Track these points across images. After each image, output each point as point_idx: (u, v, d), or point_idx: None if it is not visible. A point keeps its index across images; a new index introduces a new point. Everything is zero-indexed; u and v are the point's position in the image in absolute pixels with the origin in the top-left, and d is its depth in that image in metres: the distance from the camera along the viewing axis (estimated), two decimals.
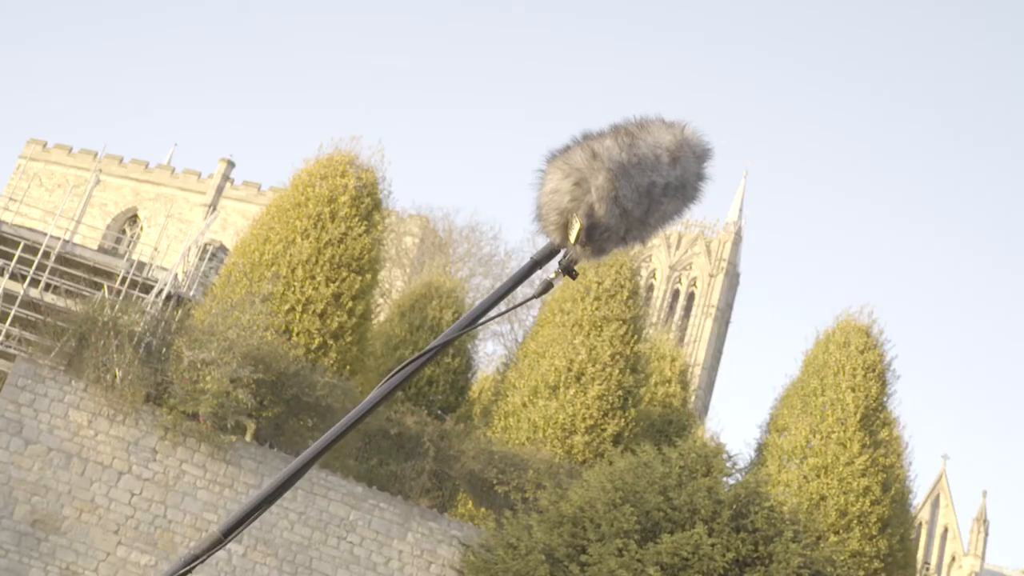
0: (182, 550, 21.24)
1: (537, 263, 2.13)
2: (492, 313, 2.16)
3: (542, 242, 2.14)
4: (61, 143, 70.86)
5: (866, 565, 25.26)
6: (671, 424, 30.37)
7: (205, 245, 37.10)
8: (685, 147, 2.11)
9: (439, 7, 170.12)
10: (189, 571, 2.06)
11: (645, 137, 2.09)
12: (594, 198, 2.04)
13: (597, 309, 27.39)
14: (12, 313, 25.47)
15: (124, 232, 68.03)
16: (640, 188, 2.06)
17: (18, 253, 25.93)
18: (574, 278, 2.12)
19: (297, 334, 24.39)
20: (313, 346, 24.43)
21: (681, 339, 78.20)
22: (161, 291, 25.95)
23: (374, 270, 26.44)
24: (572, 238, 2.06)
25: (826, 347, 28.11)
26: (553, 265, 2.13)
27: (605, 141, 2.08)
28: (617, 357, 26.80)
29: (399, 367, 2.12)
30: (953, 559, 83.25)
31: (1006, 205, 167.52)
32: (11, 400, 21.70)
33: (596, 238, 2.07)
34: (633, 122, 2.12)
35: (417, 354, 2.10)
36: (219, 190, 68.40)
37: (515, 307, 2.28)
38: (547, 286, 2.12)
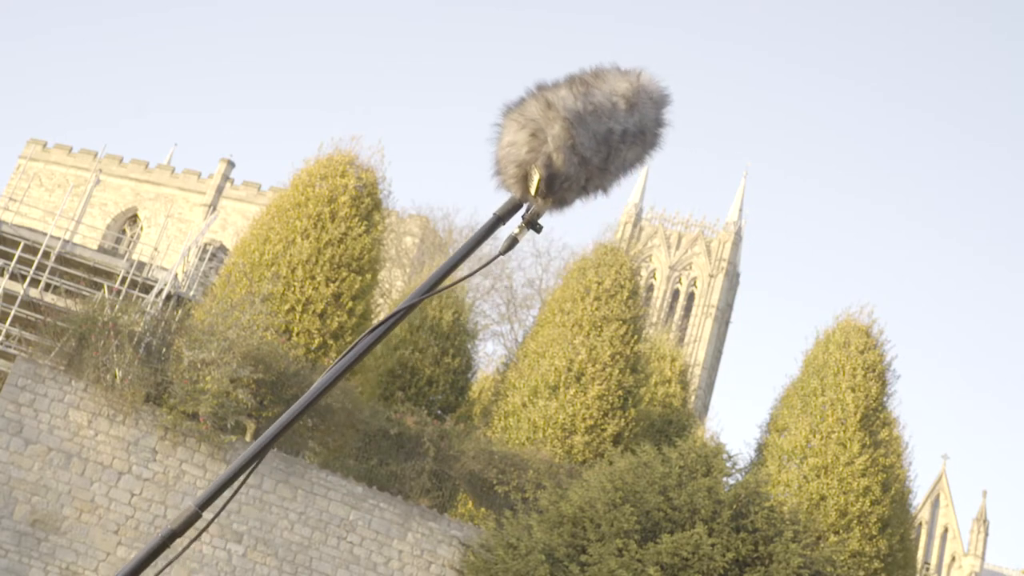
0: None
1: (500, 219, 2.11)
2: (457, 275, 2.15)
3: (504, 198, 2.12)
4: (61, 143, 70.91)
5: (866, 565, 25.26)
6: (671, 424, 30.37)
7: (205, 245, 37.10)
8: (642, 93, 2.09)
9: (439, 7, 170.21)
10: (168, 547, 2.07)
11: (600, 86, 2.07)
12: (551, 148, 2.02)
13: (597, 309, 27.38)
14: (12, 313, 25.48)
15: (124, 232, 68.04)
16: (598, 135, 2.04)
17: (18, 253, 25.93)
18: (538, 231, 2.11)
19: (297, 334, 24.39)
20: (313, 346, 24.42)
21: (681, 339, 78.19)
22: (161, 291, 25.95)
23: (374, 270, 26.44)
24: (532, 190, 2.05)
25: (826, 347, 28.10)
26: (517, 220, 2.11)
27: (560, 91, 2.06)
28: (617, 357, 26.79)
29: (368, 330, 2.13)
30: (953, 559, 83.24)
31: (1006, 205, 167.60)
32: (11, 400, 21.69)
33: (556, 188, 2.05)
34: (588, 71, 2.10)
35: (385, 317, 2.10)
36: (219, 190, 68.40)
37: (482, 267, 2.27)
38: (512, 242, 2.11)
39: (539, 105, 2.05)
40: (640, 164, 2.13)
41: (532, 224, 2.10)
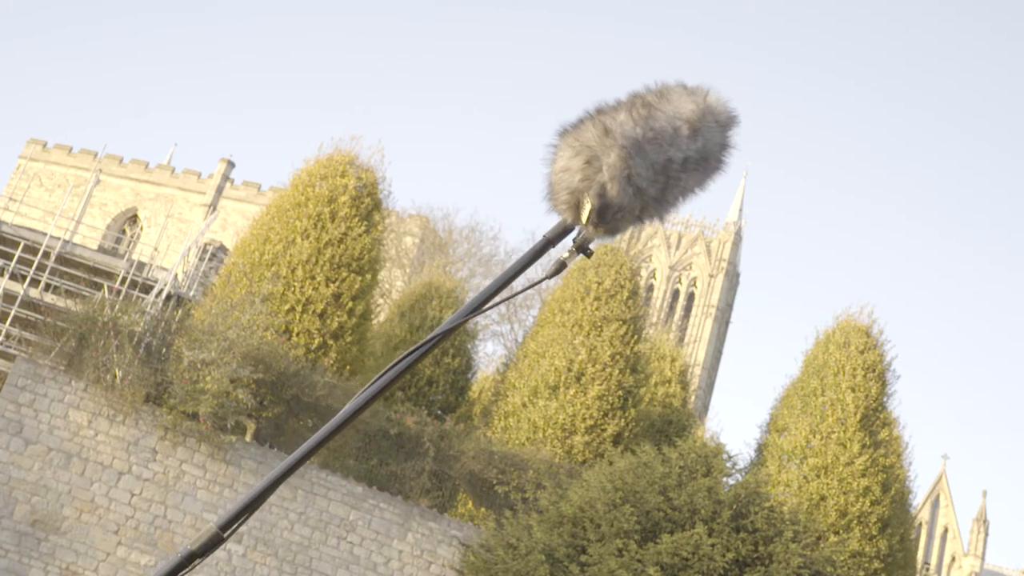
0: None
1: (550, 241, 2.04)
2: (501, 296, 2.07)
3: (554, 221, 2.04)
4: (61, 143, 70.91)
5: (866, 565, 25.25)
6: (671, 424, 30.35)
7: (205, 245, 37.09)
8: (708, 116, 2.01)
9: (439, 7, 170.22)
10: (190, 569, 2.03)
11: (664, 108, 1.98)
12: (606, 177, 1.95)
13: (597, 309, 27.38)
14: (12, 313, 25.47)
15: (124, 232, 68.04)
16: (656, 165, 1.96)
17: (18, 253, 25.92)
18: (589, 256, 2.04)
19: (297, 334, 24.39)
20: (313, 346, 24.42)
21: (681, 339, 78.18)
22: (161, 291, 25.94)
23: (374, 270, 26.43)
24: (584, 218, 1.98)
25: (826, 347, 28.08)
26: (566, 244, 2.04)
27: (619, 115, 1.98)
28: (617, 357, 26.78)
29: (405, 353, 2.03)
30: (953, 559, 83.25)
31: (1006, 205, 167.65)
32: (11, 400, 21.69)
33: (609, 218, 1.98)
34: (652, 90, 2.01)
35: (425, 339, 2.02)
36: (219, 190, 68.40)
37: (527, 289, 2.21)
38: (560, 266, 2.05)
39: (596, 131, 1.97)
40: (702, 189, 2.04)
41: (583, 249, 2.03)
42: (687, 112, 1.99)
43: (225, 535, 2.01)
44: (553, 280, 44.34)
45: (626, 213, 1.98)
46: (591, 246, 2.03)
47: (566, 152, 1.99)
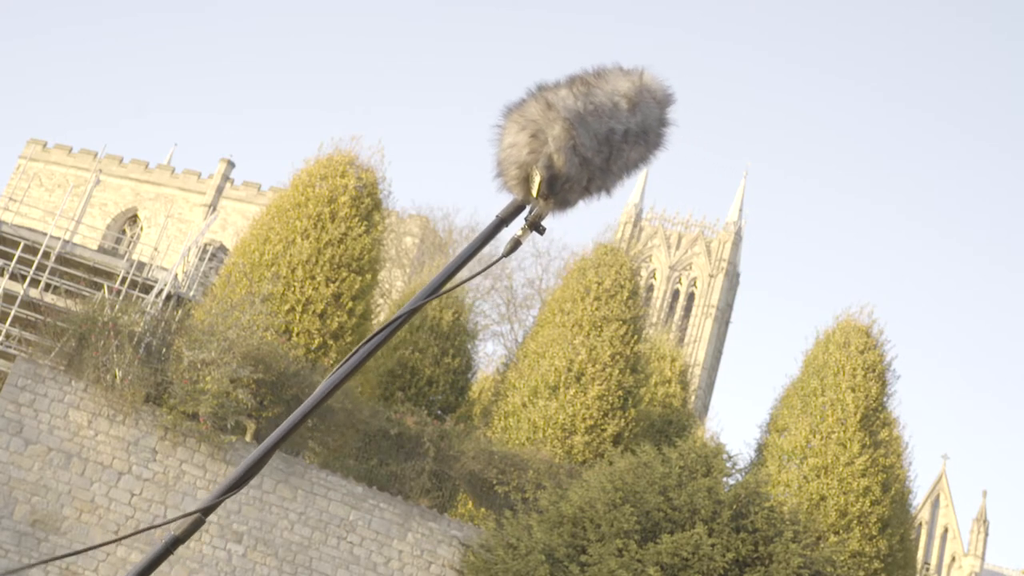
0: (182, 550, 21.26)
1: (503, 221, 2.10)
2: (459, 277, 2.14)
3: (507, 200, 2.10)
4: (61, 143, 70.92)
5: (866, 565, 25.25)
6: (671, 424, 30.35)
7: (205, 245, 37.08)
8: (645, 93, 2.09)
9: (439, 7, 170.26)
10: (172, 553, 2.07)
11: (602, 85, 2.07)
12: (552, 148, 2.02)
13: (597, 309, 27.37)
14: (12, 313, 25.47)
15: (124, 232, 68.03)
16: (599, 135, 2.04)
17: (18, 253, 25.92)
18: (541, 233, 2.10)
19: (297, 334, 24.38)
20: (313, 346, 24.42)
21: (681, 339, 78.18)
22: (161, 291, 25.94)
23: (374, 270, 26.43)
24: (534, 191, 2.04)
25: (826, 347, 28.08)
26: (520, 223, 2.10)
27: (560, 92, 2.06)
28: (617, 357, 26.77)
29: (371, 335, 2.11)
30: (953, 559, 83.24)
31: (1006, 205, 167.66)
32: (11, 400, 21.68)
33: (558, 189, 2.04)
34: (590, 72, 2.10)
35: (388, 321, 2.08)
36: (219, 190, 68.40)
37: (485, 269, 2.27)
38: (515, 244, 2.11)
39: (539, 106, 2.05)
40: (644, 164, 2.12)
41: (535, 226, 2.08)
42: (624, 88, 2.07)
43: (205, 517, 2.08)
44: (553, 280, 44.35)
45: (574, 184, 2.05)
46: (543, 223, 2.09)
47: (512, 128, 2.06)
